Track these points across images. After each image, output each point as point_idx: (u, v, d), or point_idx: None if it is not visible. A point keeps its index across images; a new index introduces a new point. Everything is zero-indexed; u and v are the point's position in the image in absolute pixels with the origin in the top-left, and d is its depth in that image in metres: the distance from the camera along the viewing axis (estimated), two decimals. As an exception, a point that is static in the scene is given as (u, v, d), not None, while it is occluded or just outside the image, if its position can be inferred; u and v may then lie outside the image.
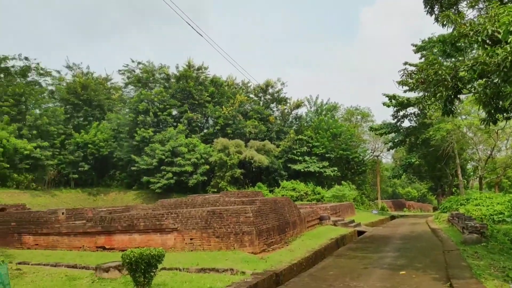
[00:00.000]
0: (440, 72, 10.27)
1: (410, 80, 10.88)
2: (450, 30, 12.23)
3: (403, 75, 11.55)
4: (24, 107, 45.05)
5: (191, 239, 14.84)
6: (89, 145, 47.95)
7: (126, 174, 50.82)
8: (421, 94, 44.24)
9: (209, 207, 16.09)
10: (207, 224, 14.71)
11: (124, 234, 15.72)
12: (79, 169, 47.86)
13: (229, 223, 14.47)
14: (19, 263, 13.30)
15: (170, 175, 44.36)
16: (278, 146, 50.35)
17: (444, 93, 10.59)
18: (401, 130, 45.50)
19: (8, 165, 40.77)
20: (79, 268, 12.27)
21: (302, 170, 48.23)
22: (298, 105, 54.43)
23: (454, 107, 11.98)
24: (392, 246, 16.84)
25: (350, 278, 10.51)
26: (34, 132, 43.45)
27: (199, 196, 18.50)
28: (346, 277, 10.69)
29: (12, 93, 43.75)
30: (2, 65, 46.53)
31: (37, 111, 47.52)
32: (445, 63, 10.83)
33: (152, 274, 8.88)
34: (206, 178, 46.10)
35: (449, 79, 10.39)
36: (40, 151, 42.61)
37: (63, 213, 17.16)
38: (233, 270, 11.53)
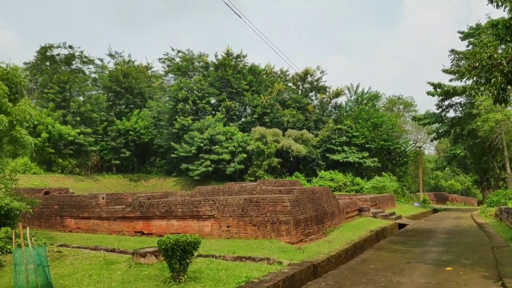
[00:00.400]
0: (495, 55, 9.51)
1: (461, 64, 10.12)
2: (505, 12, 11.36)
3: (453, 60, 10.81)
4: (68, 94, 46.46)
5: (227, 226, 14.73)
6: (130, 132, 49.00)
7: (166, 161, 51.71)
8: (469, 82, 42.25)
9: (245, 195, 15.91)
10: (244, 212, 14.54)
11: (162, 219, 15.82)
12: (121, 155, 49.08)
13: (266, 212, 14.23)
14: (60, 246, 13.61)
15: (208, 162, 44.69)
16: (316, 136, 49.63)
17: (499, 78, 9.82)
18: (446, 121, 43.69)
19: (53, 151, 42.31)
20: (117, 252, 12.39)
21: (340, 160, 47.36)
22: (337, 94, 53.32)
23: (507, 95, 11.16)
24: (436, 240, 16.10)
25: (392, 272, 10.04)
26: (78, 118, 44.78)
27: (236, 184, 18.38)
28: (387, 271, 10.23)
29: (57, 81, 45.17)
30: (48, 54, 48.09)
31: (81, 98, 48.91)
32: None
33: (188, 261, 8.76)
34: (243, 166, 46.14)
35: (505, 64, 9.62)
36: (84, 137, 43.93)
37: (103, 198, 17.48)
38: (270, 260, 11.29)
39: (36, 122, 13.86)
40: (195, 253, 10.65)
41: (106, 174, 49.70)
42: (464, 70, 9.94)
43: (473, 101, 41.05)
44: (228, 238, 14.61)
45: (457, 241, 15.62)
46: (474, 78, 10.21)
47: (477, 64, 9.61)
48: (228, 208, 14.82)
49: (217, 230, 14.88)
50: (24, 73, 50.94)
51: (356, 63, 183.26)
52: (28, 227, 8.73)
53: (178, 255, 8.47)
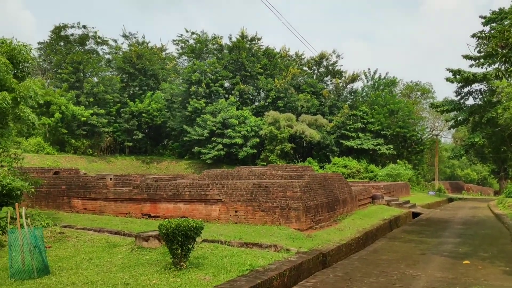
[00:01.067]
0: (525, 35, 8.76)
1: (486, 43, 9.36)
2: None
3: (478, 40, 10.04)
4: (82, 74, 46.31)
5: (235, 211, 14.32)
6: (143, 114, 48.81)
7: (179, 144, 51.54)
8: (490, 68, 40.66)
9: (255, 180, 15.46)
10: (252, 197, 14.09)
11: (169, 202, 15.48)
12: (134, 137, 49.02)
13: (275, 197, 13.77)
14: (65, 226, 13.38)
15: (220, 146, 44.33)
16: (330, 121, 48.80)
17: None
18: (465, 108, 42.43)
19: (66, 131, 42.36)
20: (121, 235, 12.09)
21: (355, 146, 46.56)
22: (353, 79, 52.21)
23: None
24: (452, 231, 15.47)
25: (406, 265, 9.50)
26: (91, 99, 44.66)
27: (245, 168, 17.92)
28: (401, 263, 9.69)
29: (70, 61, 45.01)
30: (62, 33, 47.89)
31: (95, 79, 48.75)
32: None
33: (190, 247, 8.35)
34: (256, 151, 45.68)
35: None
36: (97, 118, 43.87)
37: (111, 179, 17.20)
38: (277, 247, 10.85)
39: (41, 101, 13.46)
40: (199, 239, 10.27)
41: (119, 156, 49.75)
42: (491, 50, 9.20)
43: (494, 88, 39.74)
44: (236, 223, 14.22)
45: (474, 233, 14.97)
46: (493, 66, 9.41)
47: (504, 43, 8.88)
48: (236, 193, 14.40)
49: (224, 214, 14.48)
50: (37, 52, 51.18)
51: (373, 48, 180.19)
52: (24, 207, 8.41)
53: (179, 240, 8.07)
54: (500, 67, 9.20)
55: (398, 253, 10.98)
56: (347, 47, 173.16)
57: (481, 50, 38.71)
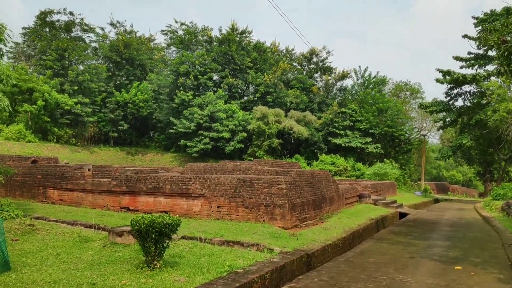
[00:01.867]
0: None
1: (489, 37, 8.86)
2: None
3: (480, 32, 9.54)
4: (67, 62, 45.04)
5: (218, 207, 13.72)
6: (129, 105, 47.79)
7: (165, 136, 50.66)
8: (480, 70, 40.49)
9: (239, 175, 14.86)
10: (236, 193, 13.51)
11: (149, 196, 14.82)
12: (119, 128, 48.00)
13: (260, 194, 13.20)
14: (36, 218, 12.64)
15: (207, 140, 43.60)
16: (319, 118, 48.34)
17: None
18: (454, 109, 42.36)
19: (49, 119, 41.20)
20: (95, 228, 11.41)
21: (343, 144, 46.21)
22: (343, 76, 51.76)
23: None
24: (441, 233, 15.06)
25: (395, 269, 8.99)
26: (76, 87, 43.49)
27: (230, 162, 17.30)
28: (389, 267, 9.18)
29: (55, 48, 43.74)
30: (48, 19, 46.54)
31: (81, 67, 47.51)
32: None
33: (165, 245, 7.72)
34: (243, 146, 45.06)
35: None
36: (81, 107, 42.76)
37: (89, 170, 16.46)
38: (260, 246, 10.28)
39: (14, 82, 12.61)
40: (176, 235, 9.67)
41: (103, 146, 48.70)
42: (492, 43, 8.71)
43: (483, 90, 39.70)
44: (218, 219, 13.63)
45: (463, 235, 14.57)
46: (501, 55, 8.93)
47: (509, 37, 8.38)
48: (219, 188, 13.79)
49: (207, 210, 13.88)
50: (21, 38, 49.73)
51: (363, 47, 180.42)
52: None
53: (153, 237, 7.44)
54: (501, 62, 8.71)
55: (386, 256, 10.48)
56: (337, 45, 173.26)
57: (481, 45, 38.65)
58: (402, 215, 23.06)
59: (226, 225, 12.56)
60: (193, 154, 44.42)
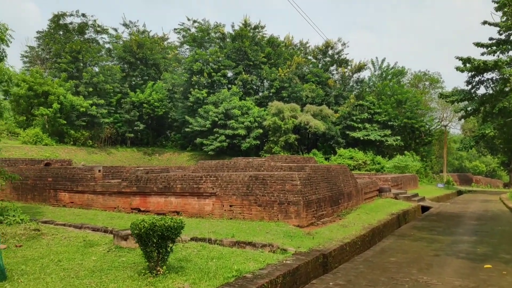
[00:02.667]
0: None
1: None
2: None
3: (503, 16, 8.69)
4: (81, 64, 45.18)
5: (230, 206, 13.20)
6: (144, 105, 47.70)
7: (181, 135, 50.46)
8: (501, 57, 39.10)
9: (251, 172, 14.31)
10: (249, 191, 12.96)
11: (159, 196, 14.39)
12: (135, 128, 48.00)
13: (273, 191, 12.63)
14: (44, 222, 12.34)
15: (223, 137, 43.17)
16: (336, 112, 47.39)
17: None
18: (476, 98, 40.92)
19: (65, 122, 41.35)
20: (103, 231, 11.02)
21: (361, 138, 45.18)
22: (360, 68, 50.60)
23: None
24: (466, 227, 14.24)
25: (418, 269, 8.31)
26: (90, 89, 43.57)
27: (242, 159, 16.75)
28: (412, 267, 8.51)
29: (69, 50, 43.88)
30: (61, 22, 46.74)
31: (95, 69, 47.63)
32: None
33: (168, 249, 7.22)
34: (259, 142, 44.48)
35: None
36: (96, 108, 42.81)
37: (99, 171, 16.13)
38: (273, 246, 9.73)
39: (14, 80, 12.28)
40: (186, 237, 9.21)
41: (120, 147, 48.75)
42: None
43: (506, 76, 38.22)
44: (231, 218, 13.11)
45: (490, 229, 13.73)
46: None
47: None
48: (231, 186, 13.27)
49: (219, 209, 13.37)
50: (36, 41, 50.13)
51: (380, 39, 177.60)
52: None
53: (154, 242, 6.93)
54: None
55: (408, 254, 9.79)
56: (352, 38, 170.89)
57: (502, 30, 37.16)
58: (425, 208, 22.21)
59: (239, 225, 12.04)
60: (209, 152, 44.07)
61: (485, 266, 8.37)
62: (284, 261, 8.20)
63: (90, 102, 42.48)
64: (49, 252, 9.02)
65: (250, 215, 12.85)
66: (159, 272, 7.08)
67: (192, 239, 10.48)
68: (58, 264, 8.03)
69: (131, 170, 15.85)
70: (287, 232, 11.08)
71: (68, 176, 16.45)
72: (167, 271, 7.20)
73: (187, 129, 46.01)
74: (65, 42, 46.15)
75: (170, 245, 7.26)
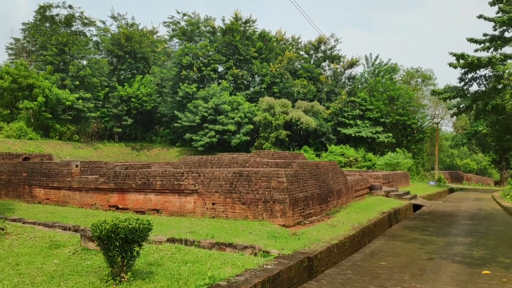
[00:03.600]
0: None
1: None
2: None
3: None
4: (68, 57, 44.01)
5: (213, 204, 12.46)
6: (132, 99, 46.65)
7: (170, 131, 49.52)
8: (495, 53, 38.59)
9: (235, 168, 13.56)
10: (232, 188, 12.23)
11: (138, 193, 13.60)
12: (123, 123, 46.99)
13: (258, 188, 11.91)
14: (13, 220, 11.52)
15: (212, 133, 42.33)
16: (328, 108, 46.72)
17: None
18: (468, 95, 40.43)
19: (51, 116, 40.26)
20: (73, 231, 10.23)
21: (352, 134, 44.60)
22: (352, 64, 49.92)
23: None
24: (460, 227, 13.64)
25: (411, 275, 7.63)
26: (77, 83, 42.46)
27: (227, 155, 15.99)
28: (404, 272, 7.83)
29: (55, 42, 42.70)
30: (47, 13, 45.51)
31: (84, 62, 46.48)
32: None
33: (134, 253, 6.45)
34: (249, 138, 43.72)
35: None
36: (83, 102, 41.72)
37: (77, 166, 15.29)
38: (254, 248, 9.01)
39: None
40: (163, 237, 8.48)
41: (108, 142, 47.68)
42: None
43: (499, 73, 37.76)
44: (213, 217, 12.38)
45: (486, 230, 13.12)
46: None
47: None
48: (214, 183, 12.52)
49: (200, 207, 12.62)
50: (22, 33, 48.83)
51: (372, 36, 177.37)
52: None
53: (117, 246, 6.17)
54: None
55: (400, 258, 9.12)
56: (345, 35, 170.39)
57: (497, 26, 36.54)
58: (416, 207, 21.66)
59: (221, 224, 11.32)
60: (198, 148, 43.23)
61: (483, 272, 7.71)
62: (264, 266, 7.48)
63: (77, 95, 41.37)
64: (9, 254, 8.22)
65: (234, 214, 12.12)
66: (123, 279, 6.33)
67: (168, 240, 9.74)
68: (15, 269, 7.24)
69: (109, 166, 15.03)
70: (272, 233, 10.38)
71: (43, 172, 15.59)
72: (132, 278, 6.44)
73: (176, 124, 45.10)
74: (51, 34, 44.91)
75: (136, 248, 6.51)
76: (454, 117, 51.42)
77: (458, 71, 39.52)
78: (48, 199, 15.41)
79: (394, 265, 8.43)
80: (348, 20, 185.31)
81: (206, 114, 42.47)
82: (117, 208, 13.95)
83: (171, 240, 9.70)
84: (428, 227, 13.81)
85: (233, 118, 42.24)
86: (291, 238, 10.03)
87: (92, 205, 14.38)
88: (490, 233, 12.44)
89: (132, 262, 6.53)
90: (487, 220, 15.53)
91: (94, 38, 51.16)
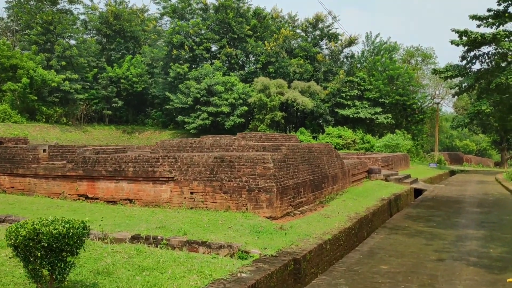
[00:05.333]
0: None
1: None
2: None
3: None
4: (53, 36, 42.08)
5: (191, 193, 11.02)
6: (122, 80, 44.79)
7: (162, 113, 47.85)
8: (499, 29, 36.73)
9: (216, 153, 12.10)
10: (213, 175, 10.78)
11: (109, 181, 12.15)
12: (113, 105, 45.26)
13: (242, 175, 10.46)
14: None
15: (205, 115, 40.70)
16: (325, 88, 45.02)
17: None
18: (471, 74, 38.74)
19: (36, 98, 38.51)
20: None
21: (351, 116, 43.02)
22: (351, 42, 47.98)
23: None
24: (469, 216, 12.26)
25: (420, 285, 6.22)
26: (63, 63, 40.64)
27: (209, 137, 14.48)
28: (410, 281, 6.41)
29: (40, 21, 40.72)
30: (31, -10, 43.40)
31: (72, 41, 44.50)
32: None
33: (66, 264, 5.01)
34: (244, 120, 42.13)
35: None
36: (70, 83, 39.94)
37: (44, 151, 13.80)
38: (232, 248, 7.62)
39: None
40: (128, 233, 7.08)
41: (98, 125, 46.03)
42: None
43: (504, 50, 36.01)
44: (192, 208, 10.96)
45: (498, 220, 11.73)
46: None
47: None
48: (193, 169, 11.07)
49: (177, 197, 11.19)
50: (6, 12, 46.74)
51: (372, 17, 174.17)
52: None
53: (39, 256, 4.73)
54: None
55: (404, 258, 7.71)
56: (343, 16, 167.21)
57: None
58: (418, 191, 20.32)
59: (199, 217, 9.89)
60: (191, 131, 41.68)
61: (508, 280, 6.29)
62: (238, 274, 6.06)
63: (63, 76, 39.55)
64: None
65: (215, 204, 10.70)
66: (49, 298, 4.91)
67: (133, 237, 8.33)
68: None
69: (78, 150, 13.53)
70: (255, 227, 8.98)
71: (8, 157, 14.09)
72: (64, 295, 5.04)
73: (167, 106, 43.46)
74: (35, 12, 42.86)
75: (70, 258, 5.07)
76: (455, 97, 49.83)
77: (460, 50, 38.03)
78: (13, 187, 13.95)
79: (398, 269, 7.02)
80: (347, 1, 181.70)
81: (198, 95, 40.80)
82: (87, 197, 12.51)
83: (136, 238, 8.30)
84: (433, 216, 12.42)
85: (226, 100, 40.60)
86: (277, 233, 8.63)
87: (60, 194, 12.94)
88: (504, 224, 11.04)
89: (65, 275, 5.09)
90: (497, 207, 14.15)
91: (82, 17, 49.04)
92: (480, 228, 10.48)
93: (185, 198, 11.09)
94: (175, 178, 11.20)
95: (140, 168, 11.64)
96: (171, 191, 11.27)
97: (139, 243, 7.95)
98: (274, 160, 10.49)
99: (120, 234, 8.60)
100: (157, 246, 8.01)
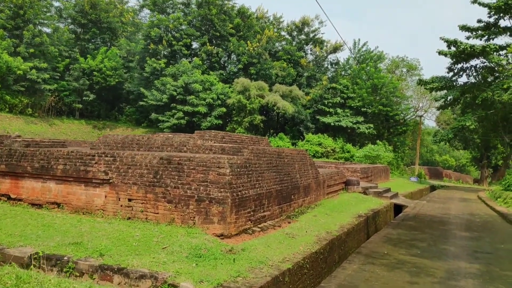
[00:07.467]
0: None
1: None
2: None
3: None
4: (21, 21, 39.47)
5: (129, 200, 9.06)
6: (95, 73, 42.39)
7: (136, 109, 45.58)
8: (490, 42, 35.53)
9: (163, 153, 10.16)
10: (157, 180, 8.85)
11: (35, 179, 10.10)
12: (84, 98, 42.78)
13: (191, 182, 8.56)
14: None
15: (181, 114, 38.62)
16: (307, 94, 43.47)
17: None
18: (457, 86, 37.63)
19: (0, 85, 35.91)
20: None
21: (332, 123, 41.49)
22: (336, 48, 46.64)
23: None
24: (458, 242, 10.56)
25: None
26: (31, 50, 38.06)
27: (160, 134, 12.49)
28: None
29: (9, 4, 38.13)
30: (0, -29, 40.71)
31: (45, 29, 41.89)
32: None
33: None
34: (221, 122, 40.17)
35: None
36: (37, 72, 37.41)
37: (-33, 140, 11.63)
38: (157, 280, 5.71)
39: None
40: (31, 249, 5.08)
41: (66, 119, 43.43)
42: None
43: (492, 65, 34.94)
44: (129, 218, 8.99)
45: (493, 248, 10.06)
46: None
47: None
48: (133, 171, 9.12)
49: (113, 204, 9.21)
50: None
51: (360, 28, 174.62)
52: None
53: None
54: None
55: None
56: (331, 26, 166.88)
57: (492, 12, 33.63)
58: (398, 207, 18.72)
59: (132, 231, 7.94)
60: (165, 130, 39.45)
61: None
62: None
63: (30, 64, 36.95)
64: None
65: (156, 215, 8.76)
66: None
67: (33, 255, 6.34)
68: None
69: (6, 141, 11.44)
70: (198, 248, 7.08)
71: None
72: None
73: (142, 103, 41.25)
74: (5, -5, 40.21)
75: None
76: (438, 111, 48.84)
77: (447, 61, 36.98)
78: None
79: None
80: (333, 11, 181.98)
81: (174, 93, 38.70)
82: (9, 198, 10.43)
83: (35, 257, 6.32)
84: (416, 240, 10.70)
85: (204, 99, 38.63)
86: (223, 259, 6.75)
87: (-21, 192, 10.82)
88: (500, 256, 9.35)
89: None
90: (487, 232, 12.51)
91: (56, 4, 46.43)
92: (474, 260, 8.77)
93: (121, 205, 9.11)
94: (111, 180, 9.22)
95: (71, 166, 9.63)
96: (105, 196, 9.29)
97: (33, 266, 5.99)
98: (232, 165, 8.63)
99: (20, 251, 6.61)
100: (60, 271, 6.06)
